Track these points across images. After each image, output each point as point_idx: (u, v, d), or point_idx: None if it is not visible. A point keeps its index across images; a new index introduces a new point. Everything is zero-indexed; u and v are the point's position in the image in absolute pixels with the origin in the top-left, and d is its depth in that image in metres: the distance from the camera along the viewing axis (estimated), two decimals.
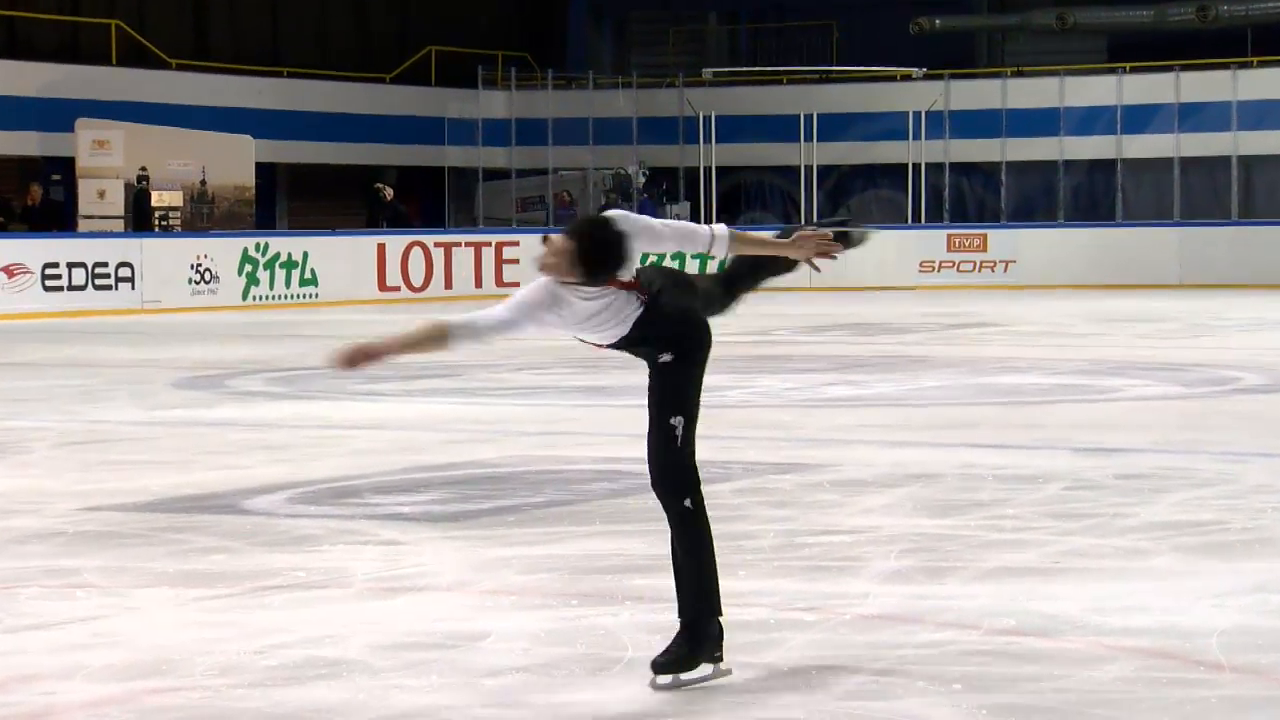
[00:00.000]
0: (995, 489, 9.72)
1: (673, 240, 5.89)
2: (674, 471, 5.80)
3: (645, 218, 5.85)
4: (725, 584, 7.24)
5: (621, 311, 5.78)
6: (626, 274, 5.77)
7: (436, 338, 5.70)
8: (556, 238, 5.72)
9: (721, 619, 5.83)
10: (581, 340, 5.93)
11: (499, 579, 7.48)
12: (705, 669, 5.79)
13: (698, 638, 5.80)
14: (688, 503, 5.80)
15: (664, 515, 5.85)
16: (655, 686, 5.72)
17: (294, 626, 6.60)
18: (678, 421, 5.79)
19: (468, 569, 7.72)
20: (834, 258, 6.09)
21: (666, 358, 5.83)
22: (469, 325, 5.71)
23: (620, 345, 5.86)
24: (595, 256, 5.67)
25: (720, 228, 5.94)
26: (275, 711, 5.50)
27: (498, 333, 5.75)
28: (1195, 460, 10.93)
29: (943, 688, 5.67)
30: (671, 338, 5.83)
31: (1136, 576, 7.43)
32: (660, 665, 5.78)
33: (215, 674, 5.91)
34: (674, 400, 5.82)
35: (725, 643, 5.97)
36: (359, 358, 5.69)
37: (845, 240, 6.15)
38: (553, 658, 5.99)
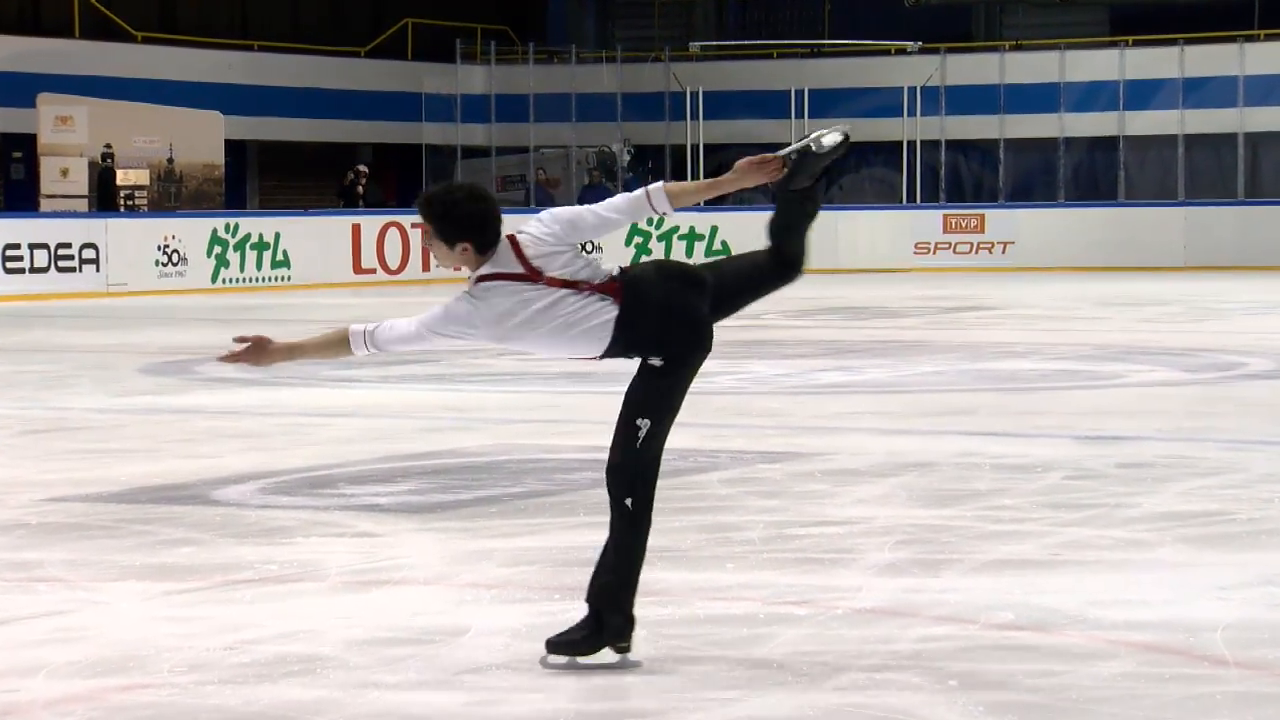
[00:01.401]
0: (993, 478, 9.73)
1: (617, 217, 5.88)
2: (624, 471, 5.87)
3: (571, 210, 5.88)
4: (712, 576, 7.27)
5: (582, 316, 5.76)
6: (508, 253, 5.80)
7: (337, 343, 5.86)
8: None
9: (634, 616, 5.92)
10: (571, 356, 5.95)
11: (479, 572, 7.49)
12: (607, 654, 5.90)
13: (600, 627, 5.90)
14: (629, 502, 5.88)
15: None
16: (545, 665, 5.85)
17: (266, 621, 6.61)
18: (643, 424, 5.85)
19: (447, 562, 7.73)
20: (784, 171, 6.02)
21: (656, 361, 5.86)
22: (371, 334, 5.85)
23: (611, 354, 5.87)
24: (442, 213, 5.76)
25: (653, 185, 5.93)
26: (246, 710, 5.50)
27: (402, 344, 5.89)
28: (1200, 448, 10.95)
29: (938, 684, 5.68)
30: (659, 340, 5.84)
31: (1139, 569, 7.45)
32: (554, 645, 5.90)
33: (184, 671, 5.91)
34: (649, 403, 5.87)
35: (712, 638, 6.05)
36: (257, 353, 5.83)
37: (799, 158, 6.01)
38: (535, 654, 5.99)
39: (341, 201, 34.47)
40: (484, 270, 5.83)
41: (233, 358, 5.85)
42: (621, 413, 5.89)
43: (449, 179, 37.96)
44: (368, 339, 5.85)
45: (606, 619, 5.89)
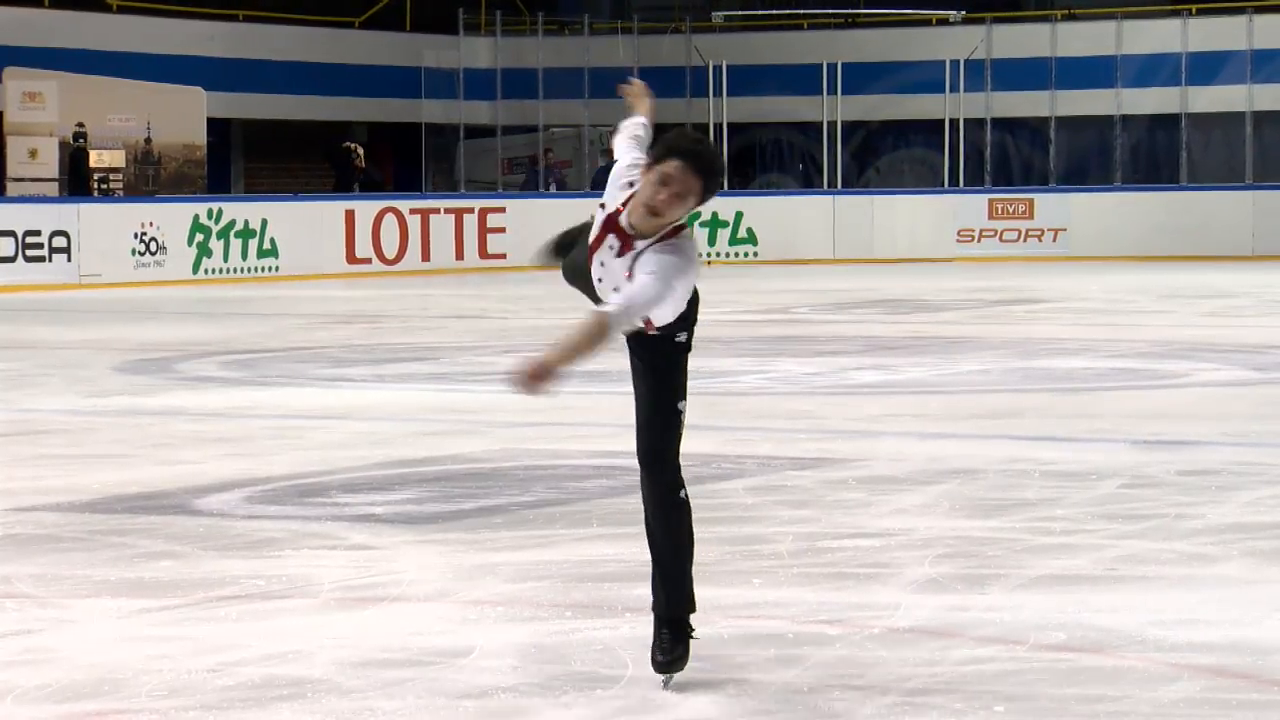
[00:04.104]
0: (1043, 487, 9.74)
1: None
2: (674, 461, 5.89)
3: (624, 152, 5.95)
4: (738, 593, 7.28)
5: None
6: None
7: (595, 336, 5.59)
8: (670, 169, 5.68)
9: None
10: (650, 328, 5.87)
11: (484, 588, 7.51)
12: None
13: (686, 633, 5.93)
14: (684, 493, 5.93)
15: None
16: (668, 687, 5.85)
17: (252, 641, 6.63)
18: (684, 407, 5.90)
19: (449, 577, 7.74)
20: None
21: (683, 336, 5.89)
22: (626, 311, 5.64)
23: (671, 327, 5.85)
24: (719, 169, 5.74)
25: (637, 119, 6.20)
26: None
27: (644, 313, 5.70)
28: (1269, 454, 10.94)
29: (984, 711, 5.69)
30: (691, 313, 5.90)
31: (1203, 585, 7.45)
32: (667, 665, 5.90)
33: (163, 695, 5.93)
34: (683, 385, 5.92)
35: (736, 660, 6.10)
36: (542, 375, 5.52)
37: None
38: (544, 676, 6.01)
39: (333, 172, 34.40)
40: (681, 221, 5.81)
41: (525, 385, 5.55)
42: (651, 399, 5.88)
43: (450, 161, 38.16)
44: (625, 318, 5.65)
45: (687, 624, 5.93)
